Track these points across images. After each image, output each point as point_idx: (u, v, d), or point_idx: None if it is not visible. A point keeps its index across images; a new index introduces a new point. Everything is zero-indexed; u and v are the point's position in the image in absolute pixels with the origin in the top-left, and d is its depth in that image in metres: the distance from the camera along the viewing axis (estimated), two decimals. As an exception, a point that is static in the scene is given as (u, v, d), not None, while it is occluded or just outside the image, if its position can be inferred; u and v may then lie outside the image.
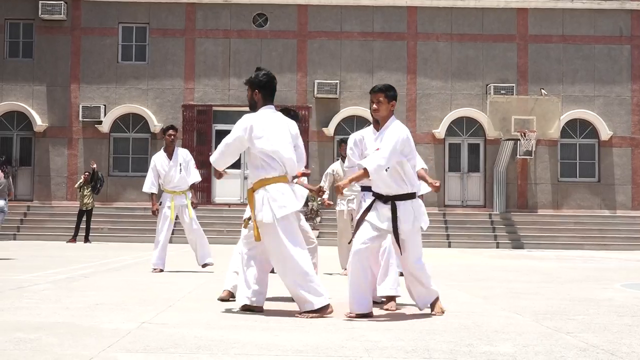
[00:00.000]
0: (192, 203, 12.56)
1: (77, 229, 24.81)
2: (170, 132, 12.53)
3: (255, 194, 6.82)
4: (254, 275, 6.99)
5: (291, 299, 7.31)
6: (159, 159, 12.62)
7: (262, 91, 7.04)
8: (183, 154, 12.59)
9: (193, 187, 12.70)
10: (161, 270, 12.09)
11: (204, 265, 12.37)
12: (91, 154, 29.41)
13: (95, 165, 25.38)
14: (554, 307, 7.91)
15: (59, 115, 29.67)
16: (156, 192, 12.71)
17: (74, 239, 24.71)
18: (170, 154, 12.56)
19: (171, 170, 12.48)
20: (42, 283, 9.66)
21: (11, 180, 17.78)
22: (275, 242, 6.75)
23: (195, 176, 12.62)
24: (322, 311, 6.66)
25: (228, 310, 7.05)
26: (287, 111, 7.75)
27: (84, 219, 24.78)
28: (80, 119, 29.37)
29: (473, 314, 7.22)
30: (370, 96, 6.96)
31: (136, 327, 5.88)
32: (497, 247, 26.64)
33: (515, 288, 10.03)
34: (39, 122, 29.45)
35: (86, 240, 24.62)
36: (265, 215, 6.72)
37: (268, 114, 6.98)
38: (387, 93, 6.87)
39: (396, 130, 6.70)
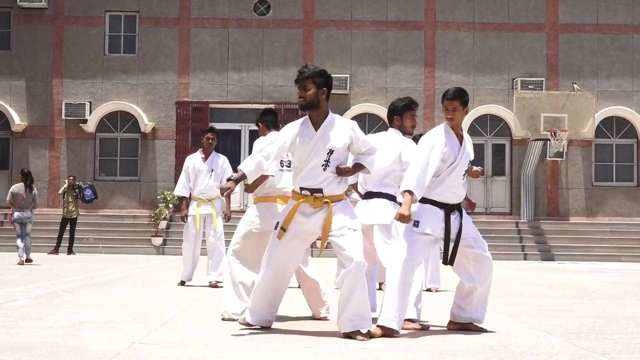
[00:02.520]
0: (224, 214, 12.74)
1: (59, 239, 24.83)
2: (209, 135, 12.91)
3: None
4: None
5: (296, 318, 7.31)
6: (192, 160, 13.02)
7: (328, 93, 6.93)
8: (220, 161, 12.85)
9: (227, 198, 12.80)
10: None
11: (211, 283, 12.44)
12: (75, 156, 29.46)
13: (72, 178, 25.20)
14: (589, 325, 7.90)
15: (39, 113, 29.73)
16: (187, 196, 12.95)
17: (56, 250, 24.73)
18: (206, 157, 12.89)
19: (201, 174, 12.83)
20: (22, 299, 9.68)
21: (36, 191, 20.65)
22: None
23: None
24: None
25: (227, 329, 7.06)
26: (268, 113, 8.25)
27: (68, 228, 24.80)
28: (63, 117, 29.42)
29: (498, 333, 7.21)
30: (444, 103, 7.13)
31: (125, 348, 5.89)
32: (525, 259, 26.60)
33: (545, 304, 10.02)
34: (17, 120, 29.51)
35: (70, 251, 24.64)
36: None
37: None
38: (462, 99, 7.17)
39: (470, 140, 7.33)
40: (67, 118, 29.39)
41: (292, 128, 6.87)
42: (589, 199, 29.80)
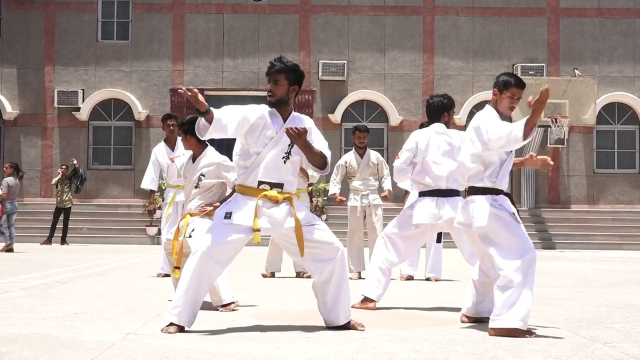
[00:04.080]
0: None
1: (53, 229, 24.85)
2: (169, 122, 12.65)
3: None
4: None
5: (293, 309, 7.31)
6: (159, 151, 12.79)
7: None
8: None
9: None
10: (166, 275, 12.15)
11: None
12: (68, 144, 29.45)
13: (76, 162, 25.36)
14: (590, 314, 7.92)
15: (31, 101, 29.70)
16: (156, 189, 12.85)
17: (49, 241, 24.74)
18: (172, 146, 12.64)
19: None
20: (14, 290, 9.69)
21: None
22: None
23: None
24: None
25: (223, 320, 7.07)
26: None
27: (61, 218, 24.81)
28: (56, 105, 29.39)
29: (499, 322, 7.22)
30: (512, 90, 6.84)
31: (120, 339, 5.91)
32: (526, 248, 26.62)
33: (546, 293, 10.04)
34: (9, 109, 29.48)
35: (63, 241, 24.65)
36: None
37: None
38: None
39: None
40: (60, 106, 29.36)
41: (261, 110, 6.46)
42: (590, 187, 29.83)
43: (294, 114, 6.53)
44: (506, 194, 6.65)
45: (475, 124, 6.69)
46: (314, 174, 11.88)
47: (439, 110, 8.74)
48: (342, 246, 6.52)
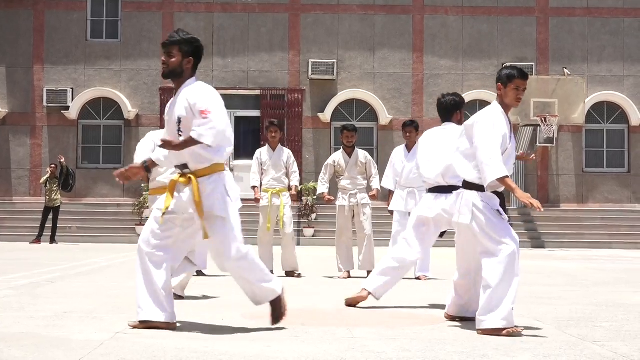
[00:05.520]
0: None
1: (42, 228, 24.80)
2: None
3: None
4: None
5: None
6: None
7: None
8: None
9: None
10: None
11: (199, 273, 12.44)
12: (57, 143, 29.38)
13: (63, 160, 25.34)
14: (579, 313, 7.93)
15: (20, 100, 29.62)
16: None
17: (38, 240, 24.69)
18: None
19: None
20: (3, 289, 9.66)
21: None
22: None
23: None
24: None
25: (213, 319, 7.07)
26: None
27: (50, 217, 24.76)
28: (45, 104, 29.32)
29: (488, 321, 7.23)
30: (516, 82, 6.68)
31: (109, 338, 5.90)
32: (515, 247, 26.67)
33: (536, 292, 10.06)
34: (-2, 108, 29.42)
35: (52, 240, 24.60)
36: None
37: None
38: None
39: None
40: (49, 105, 29.30)
41: None
42: (579, 186, 29.90)
43: (190, 85, 6.38)
44: (498, 193, 6.63)
45: (473, 121, 6.68)
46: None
47: (452, 108, 8.72)
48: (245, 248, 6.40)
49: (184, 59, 6.36)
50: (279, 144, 13.16)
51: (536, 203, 6.26)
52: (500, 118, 6.65)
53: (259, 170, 13.06)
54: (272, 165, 12.96)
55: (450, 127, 8.67)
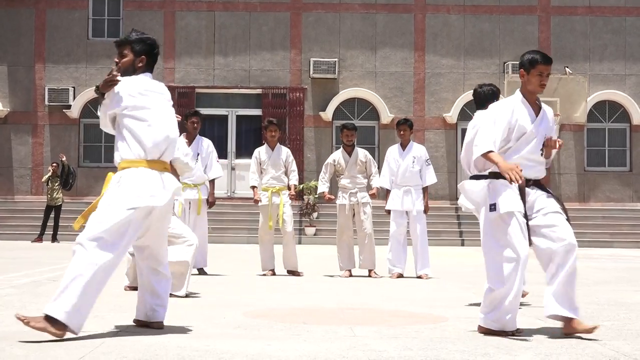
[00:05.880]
0: (208, 201, 12.67)
1: (43, 226, 24.81)
2: (194, 119, 12.72)
3: None
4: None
5: (283, 307, 7.31)
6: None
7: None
8: (205, 144, 12.73)
9: (212, 183, 12.84)
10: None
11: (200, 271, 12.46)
12: (59, 142, 29.39)
13: (64, 158, 25.35)
14: (581, 312, 7.93)
15: (21, 98, 29.64)
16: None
17: (40, 238, 24.71)
18: (190, 142, 12.62)
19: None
20: (5, 288, 9.67)
21: None
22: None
23: (217, 171, 12.72)
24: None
25: (215, 317, 7.07)
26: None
27: (52, 215, 24.78)
28: (46, 102, 29.34)
29: (489, 320, 7.23)
30: (539, 68, 6.68)
31: (111, 336, 5.90)
32: (517, 246, 26.67)
33: (537, 291, 10.04)
34: (0, 106, 29.41)
35: (54, 239, 24.62)
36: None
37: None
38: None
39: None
40: (50, 104, 29.31)
41: None
42: (581, 184, 29.90)
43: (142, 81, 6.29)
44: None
45: (484, 115, 6.63)
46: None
47: (490, 97, 8.64)
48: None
49: (136, 57, 6.35)
50: (278, 143, 13.16)
51: (515, 176, 5.98)
52: (506, 107, 6.47)
53: (258, 170, 13.05)
54: (271, 164, 12.95)
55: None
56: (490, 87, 8.82)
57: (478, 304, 8.39)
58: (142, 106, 6.19)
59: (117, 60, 6.37)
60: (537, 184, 6.56)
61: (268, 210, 12.82)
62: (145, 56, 6.36)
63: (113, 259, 5.92)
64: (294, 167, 13.11)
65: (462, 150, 6.95)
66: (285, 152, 13.12)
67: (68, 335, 5.83)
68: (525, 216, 6.31)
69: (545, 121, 6.58)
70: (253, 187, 13.05)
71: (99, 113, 6.46)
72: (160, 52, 6.58)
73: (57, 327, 5.67)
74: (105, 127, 6.48)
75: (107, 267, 5.93)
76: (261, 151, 13.12)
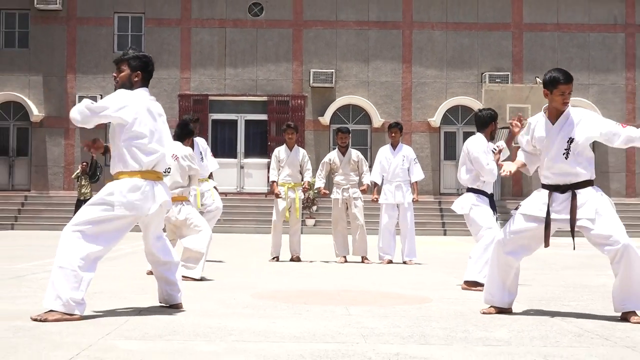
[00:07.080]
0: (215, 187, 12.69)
1: (74, 218, 24.82)
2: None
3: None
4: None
5: (287, 290, 7.31)
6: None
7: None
8: (201, 143, 12.71)
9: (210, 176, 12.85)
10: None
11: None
12: (88, 143, 29.34)
13: (95, 155, 25.30)
14: (549, 293, 7.95)
15: (55, 105, 29.63)
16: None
17: (71, 229, 24.70)
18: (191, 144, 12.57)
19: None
20: (40, 272, 9.68)
21: None
22: None
23: (214, 164, 12.71)
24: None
25: (226, 299, 7.08)
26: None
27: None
28: (77, 109, 29.28)
29: (469, 300, 7.26)
30: (561, 88, 6.19)
31: (134, 315, 5.91)
32: (493, 235, 26.66)
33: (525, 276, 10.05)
34: (36, 112, 29.40)
35: (83, 229, 24.61)
36: None
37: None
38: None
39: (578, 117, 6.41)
40: (80, 109, 29.23)
41: None
42: (550, 181, 29.85)
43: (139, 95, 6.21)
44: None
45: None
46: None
47: (488, 120, 8.93)
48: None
49: (132, 72, 6.24)
50: (295, 144, 13.13)
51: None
52: (529, 124, 6.57)
53: (277, 167, 13.04)
54: (289, 163, 12.93)
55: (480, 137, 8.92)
56: (489, 111, 9.02)
57: (459, 287, 8.44)
58: (140, 122, 6.11)
59: (115, 75, 6.27)
60: (576, 187, 6.52)
61: (285, 203, 12.83)
62: (140, 71, 6.24)
63: (100, 251, 5.99)
64: (309, 166, 13.11)
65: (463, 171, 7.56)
66: (302, 152, 13.08)
67: (97, 313, 5.83)
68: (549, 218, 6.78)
69: (565, 126, 6.31)
70: (273, 182, 13.01)
71: (95, 118, 6.26)
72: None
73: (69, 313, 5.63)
74: (88, 125, 6.36)
75: (91, 258, 5.95)
76: (280, 150, 13.08)
